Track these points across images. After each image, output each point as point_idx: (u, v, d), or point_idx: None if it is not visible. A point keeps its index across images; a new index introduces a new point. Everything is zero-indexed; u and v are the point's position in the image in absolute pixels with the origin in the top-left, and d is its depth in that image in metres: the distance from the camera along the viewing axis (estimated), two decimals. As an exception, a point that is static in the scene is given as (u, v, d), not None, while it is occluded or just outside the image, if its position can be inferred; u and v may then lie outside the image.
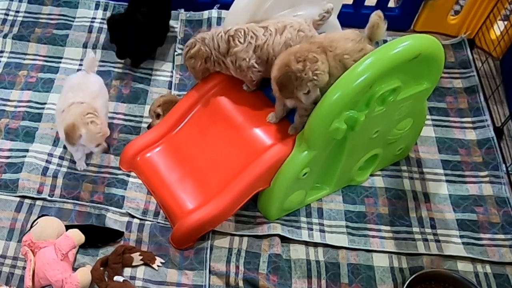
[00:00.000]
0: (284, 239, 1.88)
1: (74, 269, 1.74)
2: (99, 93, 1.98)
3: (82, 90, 1.93)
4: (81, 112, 1.82)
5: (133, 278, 1.76)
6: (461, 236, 1.92)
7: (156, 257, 1.81)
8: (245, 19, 1.86)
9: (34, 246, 1.72)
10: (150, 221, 1.90)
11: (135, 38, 2.19)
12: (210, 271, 1.80)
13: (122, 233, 1.86)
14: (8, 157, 2.03)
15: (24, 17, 2.49)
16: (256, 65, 1.83)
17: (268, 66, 1.80)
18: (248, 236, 1.88)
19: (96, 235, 1.83)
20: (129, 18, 2.18)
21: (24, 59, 2.34)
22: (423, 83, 1.79)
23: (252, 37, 1.81)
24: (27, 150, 2.04)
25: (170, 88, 2.28)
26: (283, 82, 1.65)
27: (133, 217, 1.91)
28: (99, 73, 2.26)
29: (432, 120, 2.23)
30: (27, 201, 1.93)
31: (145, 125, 2.14)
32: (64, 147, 2.06)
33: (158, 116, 2.05)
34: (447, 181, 2.06)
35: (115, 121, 2.16)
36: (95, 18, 2.49)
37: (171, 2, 2.52)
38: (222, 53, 1.84)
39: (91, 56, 2.05)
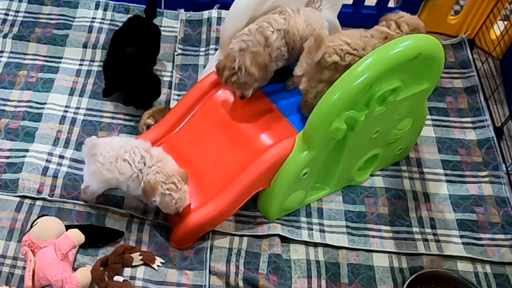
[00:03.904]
0: (284, 239, 1.88)
1: (74, 269, 1.74)
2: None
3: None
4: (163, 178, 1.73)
5: (133, 278, 1.76)
6: (461, 236, 1.92)
7: (156, 257, 1.80)
8: (245, 19, 1.86)
9: (34, 246, 1.72)
10: (150, 221, 1.90)
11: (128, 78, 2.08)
12: (210, 271, 1.80)
13: (122, 233, 1.86)
14: (8, 157, 2.03)
15: (24, 17, 2.49)
16: (286, 53, 1.80)
17: (294, 53, 1.78)
18: (248, 236, 1.88)
19: (96, 235, 1.83)
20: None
21: (24, 59, 2.34)
22: (423, 83, 1.79)
23: (277, 23, 1.77)
24: (27, 150, 2.04)
25: (170, 88, 2.27)
26: None
27: (133, 217, 1.91)
28: (99, 72, 2.27)
29: (432, 120, 2.23)
30: (27, 201, 1.93)
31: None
32: (64, 147, 2.07)
33: (148, 127, 2.04)
34: (447, 181, 2.06)
35: (115, 121, 2.16)
36: (95, 18, 2.49)
37: (171, 3, 2.53)
38: (263, 44, 1.76)
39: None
